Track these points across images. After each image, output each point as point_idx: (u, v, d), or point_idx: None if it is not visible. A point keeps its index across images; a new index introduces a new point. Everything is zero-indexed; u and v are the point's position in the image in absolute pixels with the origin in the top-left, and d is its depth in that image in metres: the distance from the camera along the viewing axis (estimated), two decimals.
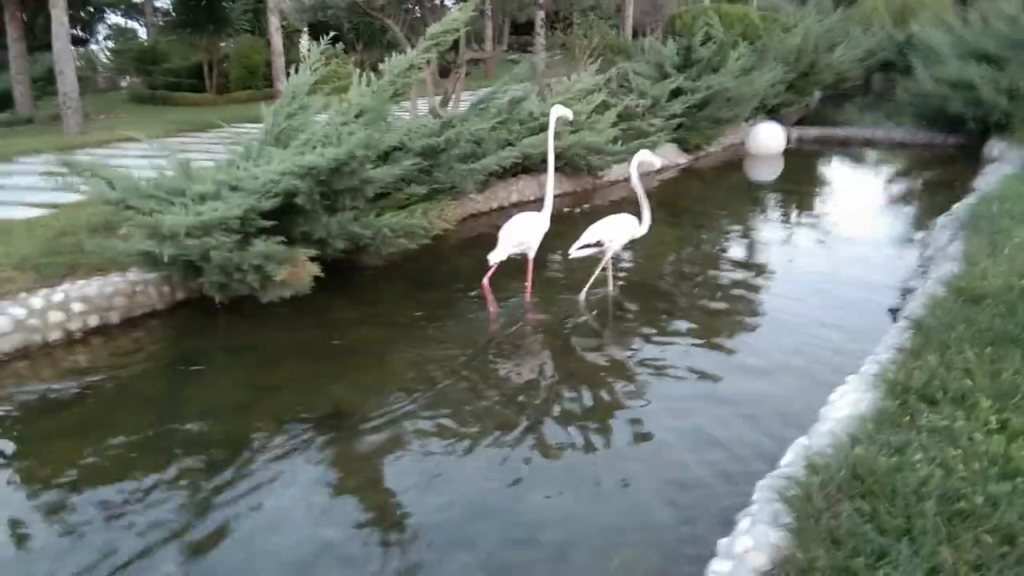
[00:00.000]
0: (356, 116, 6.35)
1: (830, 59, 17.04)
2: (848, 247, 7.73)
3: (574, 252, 5.91)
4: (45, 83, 19.79)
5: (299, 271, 5.01)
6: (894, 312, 5.46)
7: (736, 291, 6.50)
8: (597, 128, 9.79)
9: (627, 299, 6.17)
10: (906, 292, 5.90)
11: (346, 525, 3.35)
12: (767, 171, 12.66)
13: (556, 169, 9.72)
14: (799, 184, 11.69)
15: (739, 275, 6.91)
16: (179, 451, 3.90)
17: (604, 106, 10.40)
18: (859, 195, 10.71)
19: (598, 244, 5.87)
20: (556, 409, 4.35)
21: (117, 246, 4.97)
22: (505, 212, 8.99)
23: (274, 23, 19.06)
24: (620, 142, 10.17)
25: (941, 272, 5.36)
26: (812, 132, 14.84)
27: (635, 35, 22.01)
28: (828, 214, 9.44)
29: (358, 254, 6.37)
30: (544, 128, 8.93)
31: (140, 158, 8.55)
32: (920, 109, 13.80)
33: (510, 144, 8.25)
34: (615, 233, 5.90)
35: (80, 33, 28.52)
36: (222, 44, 23.48)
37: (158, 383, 4.77)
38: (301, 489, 3.59)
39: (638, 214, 5.99)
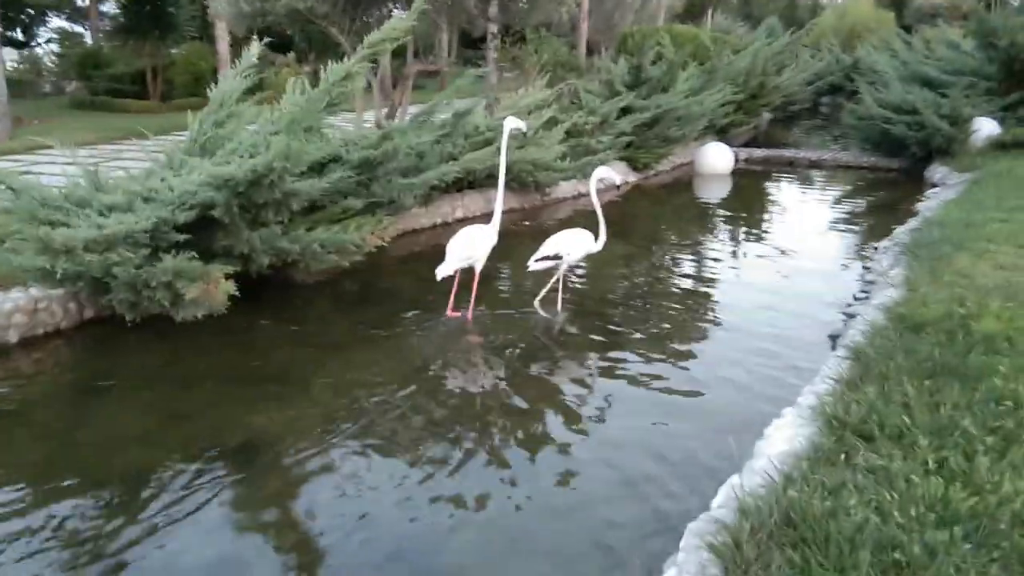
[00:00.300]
0: (287, 125, 6.09)
1: (778, 81, 17.25)
2: (794, 266, 7.68)
3: (533, 264, 5.81)
4: None
5: (212, 289, 4.70)
6: (834, 339, 5.37)
7: (683, 309, 6.40)
8: (545, 144, 9.64)
9: (575, 316, 6.01)
10: (848, 317, 5.83)
11: (259, 573, 3.06)
12: (715, 191, 12.67)
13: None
14: (746, 204, 11.70)
15: (686, 293, 6.82)
16: (73, 486, 3.57)
17: (553, 122, 10.28)
18: (804, 216, 10.75)
19: (556, 257, 5.79)
20: (494, 439, 4.12)
21: (11, 260, 4.60)
22: (449, 228, 8.75)
23: (220, 29, 18.62)
24: (568, 159, 10.04)
25: (882, 298, 5.29)
26: (759, 153, 14.95)
27: (589, 53, 22.05)
28: (774, 234, 9.41)
29: (288, 270, 6.09)
30: (490, 142, 8.79)
31: (68, 165, 8.13)
32: (865, 132, 14.00)
33: (453, 158, 8.04)
34: (573, 246, 5.83)
35: (20, 36, 27.52)
36: (169, 50, 22.85)
37: (57, 409, 4.40)
38: (208, 532, 3.29)
39: (593, 230, 5.89)
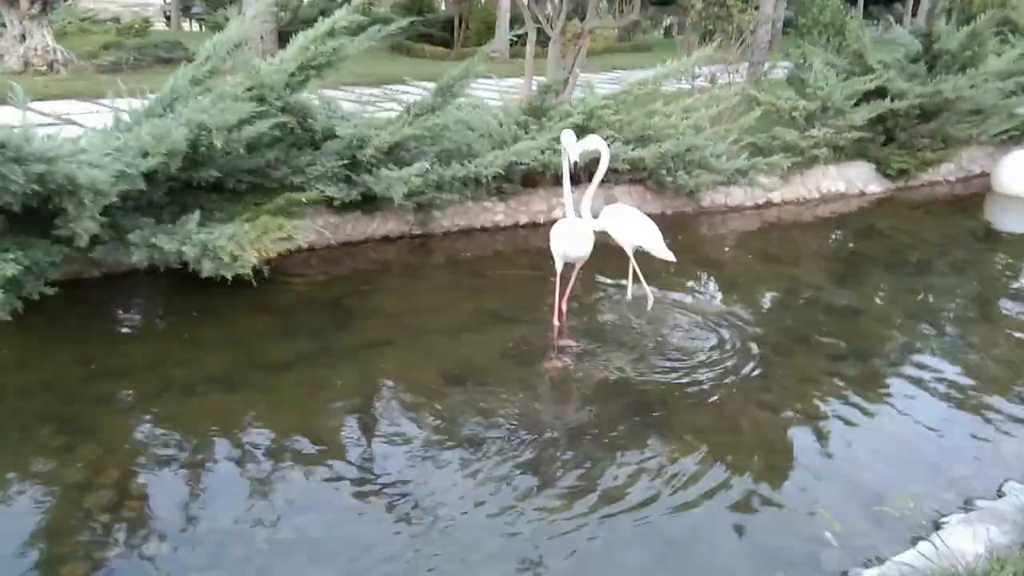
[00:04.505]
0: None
1: None
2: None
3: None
4: None
5: None
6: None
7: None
8: (704, 131, 7.26)
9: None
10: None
11: None
12: (1010, 222, 8.82)
13: (638, 182, 7.48)
14: None
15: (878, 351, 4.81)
16: None
17: (746, 102, 7.79)
18: None
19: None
20: None
21: None
22: (539, 230, 7.03)
23: None
24: (746, 156, 7.53)
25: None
26: None
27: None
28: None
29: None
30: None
31: None
32: None
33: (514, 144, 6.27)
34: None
35: None
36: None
37: None
38: None
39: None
